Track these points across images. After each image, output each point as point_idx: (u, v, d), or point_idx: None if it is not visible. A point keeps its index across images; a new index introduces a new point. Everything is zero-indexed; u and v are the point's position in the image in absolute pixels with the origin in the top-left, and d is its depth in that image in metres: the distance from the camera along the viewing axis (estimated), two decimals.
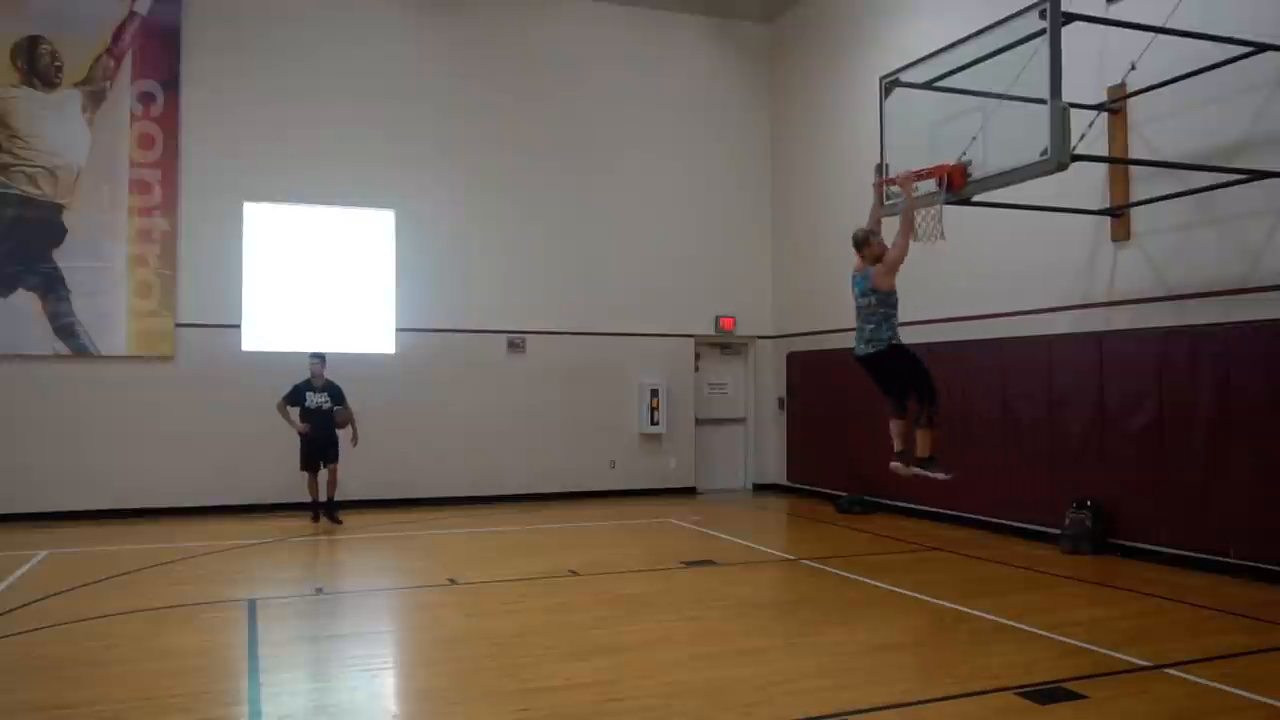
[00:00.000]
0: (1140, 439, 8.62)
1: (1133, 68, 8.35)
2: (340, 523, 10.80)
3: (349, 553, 9.34)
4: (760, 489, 14.55)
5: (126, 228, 11.64)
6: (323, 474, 10.99)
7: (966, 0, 10.04)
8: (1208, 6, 7.92)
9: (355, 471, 11.20)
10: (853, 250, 7.06)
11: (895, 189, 8.26)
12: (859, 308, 6.93)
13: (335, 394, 10.97)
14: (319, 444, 10.87)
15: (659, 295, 13.99)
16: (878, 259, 6.82)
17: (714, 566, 8.53)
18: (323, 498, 11.00)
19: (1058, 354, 9.52)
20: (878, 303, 6.80)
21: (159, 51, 11.85)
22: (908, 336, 11.68)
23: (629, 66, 14.07)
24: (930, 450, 7.01)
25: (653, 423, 13.72)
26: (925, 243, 8.18)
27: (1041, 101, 6.99)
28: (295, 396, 10.82)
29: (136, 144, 11.72)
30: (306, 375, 10.96)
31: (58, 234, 11.40)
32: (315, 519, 10.91)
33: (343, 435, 11.02)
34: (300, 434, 10.81)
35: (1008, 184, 7.56)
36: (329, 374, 11.08)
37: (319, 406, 10.86)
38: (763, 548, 9.64)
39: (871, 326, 6.84)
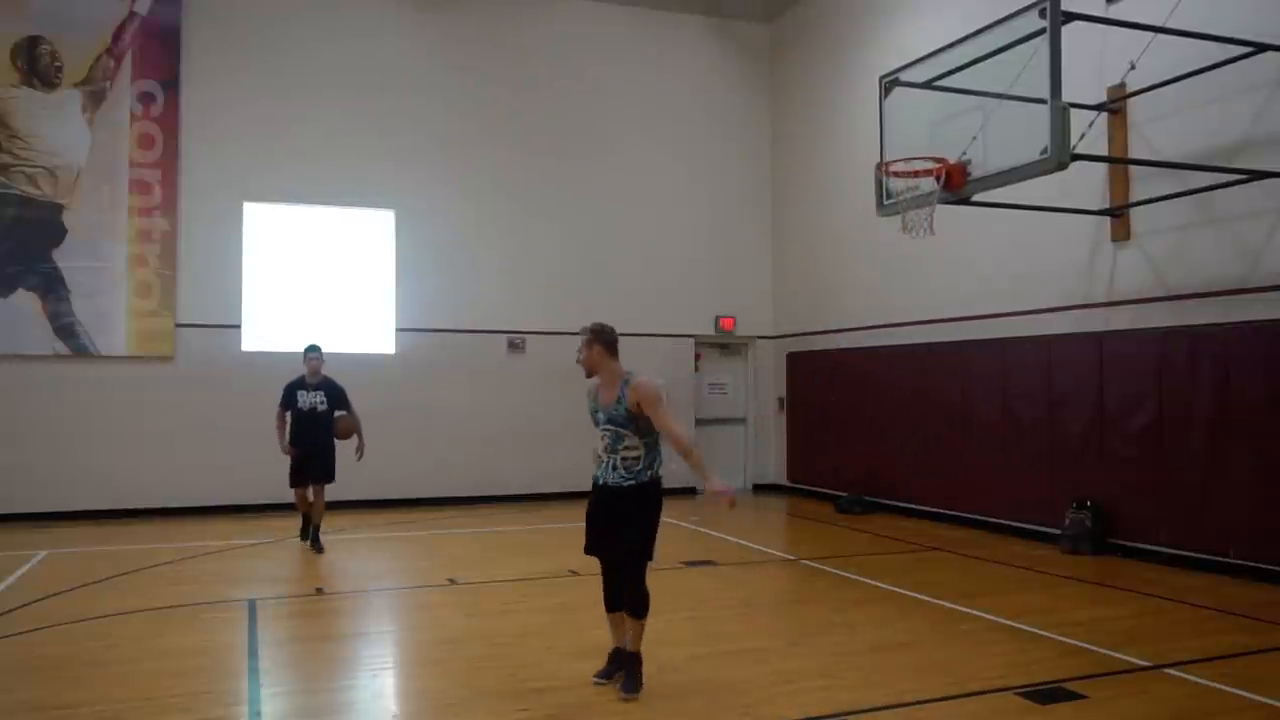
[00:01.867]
0: (1140, 439, 8.62)
1: (1133, 67, 8.35)
2: (322, 551, 9.14)
3: (349, 553, 9.33)
4: (760, 489, 14.54)
5: (126, 228, 11.64)
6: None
7: (966, 0, 10.05)
8: (1208, 6, 7.92)
9: (355, 471, 11.13)
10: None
11: (896, 184, 8.34)
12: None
13: (333, 394, 9.21)
14: (308, 452, 9.08)
15: (659, 295, 13.99)
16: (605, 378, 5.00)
17: (714, 566, 8.52)
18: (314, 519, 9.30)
19: (1058, 354, 9.52)
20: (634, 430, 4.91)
21: (159, 51, 11.85)
22: (906, 337, 11.93)
23: (629, 66, 14.07)
24: (634, 643, 4.96)
25: None
26: (914, 236, 8.28)
27: (1041, 101, 7.00)
28: (287, 399, 9.15)
29: (136, 144, 11.72)
30: (300, 373, 9.30)
31: (58, 234, 11.39)
32: (304, 536, 9.34)
33: (344, 447, 9.31)
34: (285, 454, 9.14)
35: (1007, 183, 7.59)
36: (328, 372, 9.42)
37: (313, 408, 9.10)
38: (763, 548, 9.63)
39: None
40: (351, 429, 9.24)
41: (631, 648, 4.96)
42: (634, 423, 4.84)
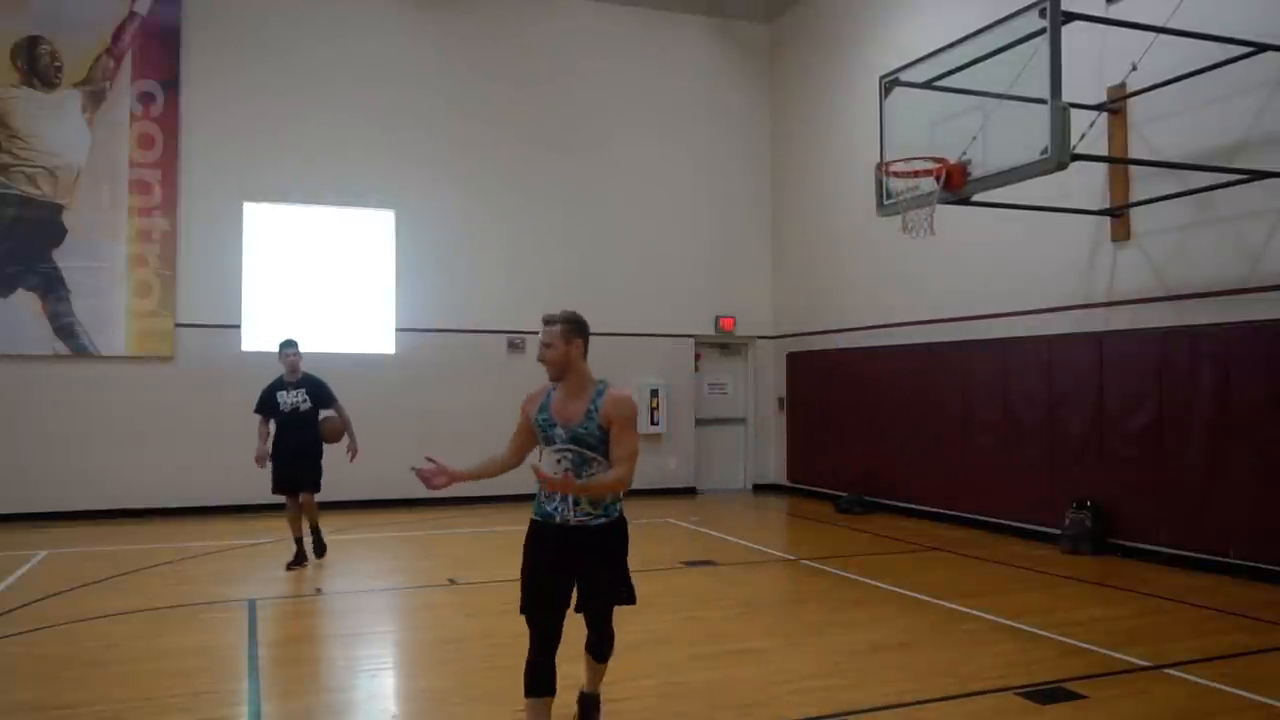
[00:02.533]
0: (1140, 439, 8.62)
1: (1133, 68, 8.35)
2: (323, 552, 8.66)
3: (349, 553, 9.33)
4: (760, 489, 14.54)
5: (126, 228, 11.64)
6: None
7: (966, 0, 10.05)
8: (1208, 6, 7.92)
9: (355, 471, 11.07)
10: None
11: (896, 184, 8.35)
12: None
13: (315, 391, 8.43)
14: (294, 455, 8.29)
15: (659, 295, 13.99)
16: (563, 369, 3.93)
17: (714, 566, 8.53)
18: (306, 534, 8.58)
19: (1058, 354, 9.51)
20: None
21: (159, 51, 11.85)
22: (906, 337, 11.93)
23: (630, 65, 14.08)
24: (596, 684, 4.36)
25: (653, 423, 13.71)
26: (914, 236, 8.30)
27: (1041, 101, 7.00)
28: (266, 403, 8.34)
29: (136, 144, 11.72)
30: (278, 373, 8.51)
31: (58, 234, 11.39)
32: (295, 563, 8.36)
33: (333, 450, 8.54)
34: (258, 462, 8.33)
35: (1007, 183, 7.59)
36: (310, 368, 8.67)
37: (294, 408, 8.30)
38: (763, 548, 9.63)
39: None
40: (340, 430, 8.44)
41: (591, 688, 4.34)
42: (605, 445, 3.86)
